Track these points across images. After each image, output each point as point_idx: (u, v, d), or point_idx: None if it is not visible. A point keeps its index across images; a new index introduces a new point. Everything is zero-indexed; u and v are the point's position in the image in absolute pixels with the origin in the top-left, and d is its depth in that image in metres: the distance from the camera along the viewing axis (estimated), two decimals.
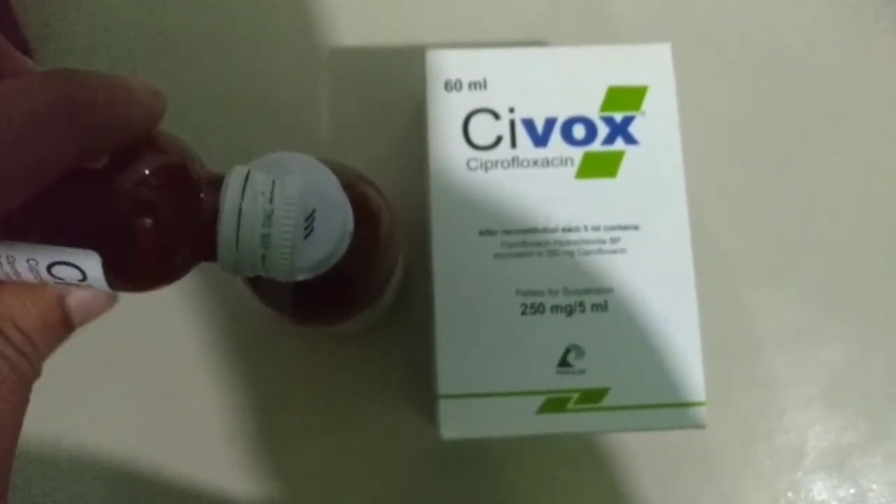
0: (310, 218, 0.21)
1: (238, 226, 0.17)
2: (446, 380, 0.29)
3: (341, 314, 0.28)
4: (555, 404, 0.29)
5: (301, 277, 0.22)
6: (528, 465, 0.37)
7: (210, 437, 0.36)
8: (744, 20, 0.41)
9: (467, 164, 0.30)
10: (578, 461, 0.37)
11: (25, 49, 0.35)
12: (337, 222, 0.21)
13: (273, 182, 0.18)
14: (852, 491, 0.37)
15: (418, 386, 0.36)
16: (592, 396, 0.29)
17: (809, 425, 0.38)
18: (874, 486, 0.37)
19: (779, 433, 0.37)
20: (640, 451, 0.37)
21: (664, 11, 0.40)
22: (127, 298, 0.20)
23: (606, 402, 0.29)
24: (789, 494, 0.37)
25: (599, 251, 0.30)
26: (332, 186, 0.22)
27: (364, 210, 0.25)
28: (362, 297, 0.28)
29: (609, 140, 0.31)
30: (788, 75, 0.40)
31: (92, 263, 0.17)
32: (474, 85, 0.31)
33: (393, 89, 0.38)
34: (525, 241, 0.30)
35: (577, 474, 0.37)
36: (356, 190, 0.26)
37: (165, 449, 0.36)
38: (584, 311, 0.30)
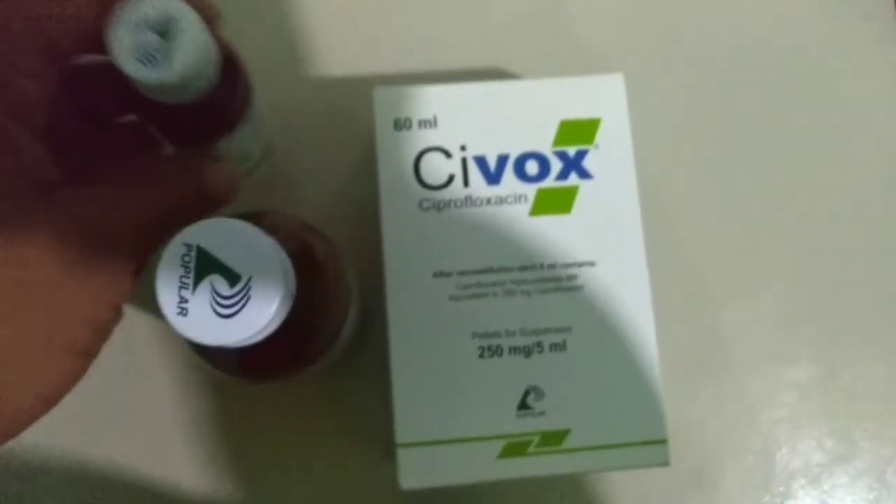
0: (245, 287, 0.20)
1: None
2: (404, 428, 0.28)
3: (294, 371, 0.27)
4: (516, 448, 0.28)
5: (245, 342, 0.21)
6: (492, 495, 0.36)
7: (173, 468, 0.35)
8: (697, 44, 0.40)
9: (419, 204, 0.30)
10: (544, 491, 0.36)
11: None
12: (276, 289, 0.21)
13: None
14: None
15: (381, 427, 0.36)
16: (553, 439, 0.29)
17: (777, 447, 0.37)
18: None
19: (746, 455, 0.37)
20: (605, 483, 0.36)
21: (625, 37, 0.40)
22: None
23: (567, 443, 0.29)
24: None
25: (556, 289, 0.29)
26: (269, 254, 0.21)
27: (308, 263, 0.24)
28: (313, 351, 0.27)
29: (562, 175, 0.30)
30: (746, 98, 0.40)
31: None
32: (424, 123, 0.30)
33: (341, 125, 0.37)
34: (480, 281, 0.29)
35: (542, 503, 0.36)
36: (298, 241, 0.25)
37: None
38: (542, 351, 0.29)
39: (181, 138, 0.28)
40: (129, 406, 0.36)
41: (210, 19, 0.24)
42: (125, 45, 0.22)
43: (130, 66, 0.22)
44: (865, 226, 0.39)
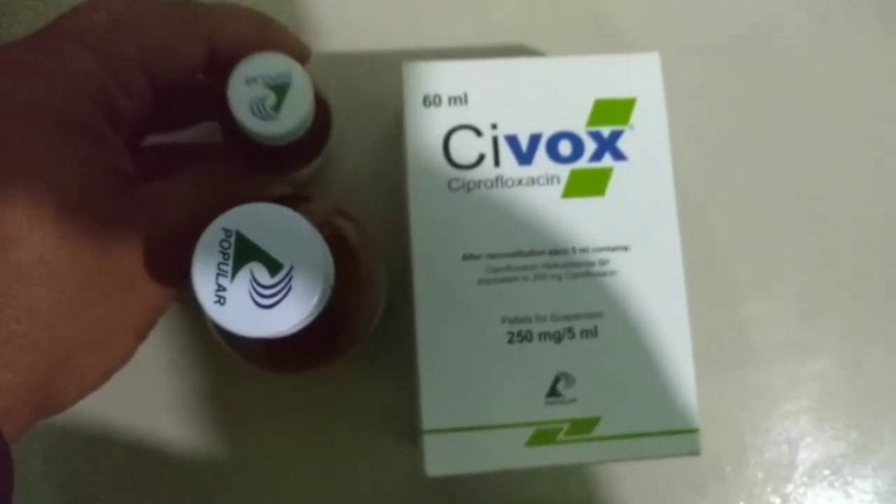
0: (287, 277, 0.19)
1: None
2: (431, 414, 0.28)
3: (323, 362, 0.26)
4: (545, 436, 0.28)
5: (281, 334, 0.20)
6: (513, 487, 0.36)
7: (184, 459, 0.35)
8: (735, 25, 0.39)
9: (448, 184, 0.29)
10: (566, 481, 0.36)
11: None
12: (318, 280, 0.20)
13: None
14: (844, 503, 0.36)
15: (406, 415, 0.35)
16: (583, 426, 0.28)
17: (800, 437, 0.37)
18: (866, 497, 0.37)
19: (769, 446, 0.37)
20: (629, 470, 0.36)
21: (653, 19, 0.39)
22: None
23: (598, 431, 0.28)
24: None
25: (588, 274, 0.29)
26: (311, 243, 0.20)
27: (342, 250, 0.23)
28: (344, 342, 0.26)
29: (597, 156, 0.29)
30: (781, 84, 0.39)
31: None
32: (454, 100, 0.29)
33: (369, 101, 0.36)
34: (510, 265, 0.28)
35: (565, 495, 0.36)
36: (332, 228, 0.24)
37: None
38: (573, 337, 0.28)
39: (267, 170, 0.30)
40: (140, 404, 0.35)
41: (301, 58, 0.27)
42: (242, 99, 0.25)
43: (246, 119, 0.25)
44: (891, 220, 0.39)
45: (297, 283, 0.19)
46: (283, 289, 0.19)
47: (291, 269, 0.19)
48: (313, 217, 0.21)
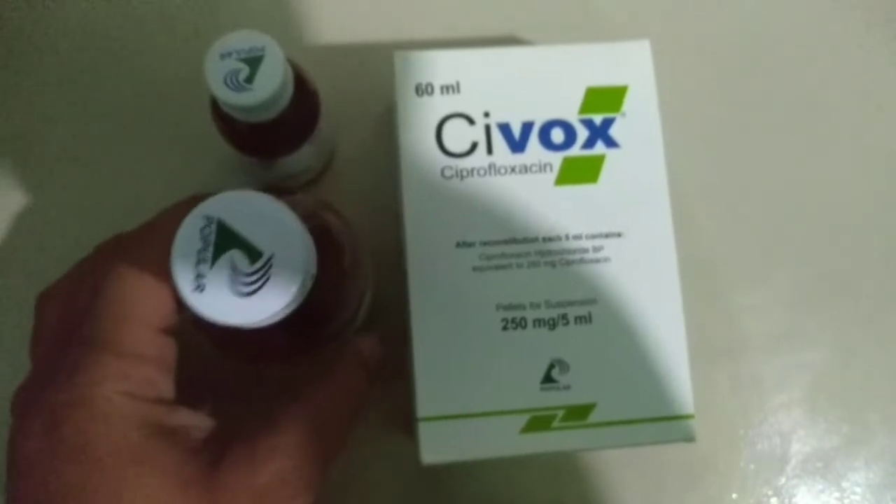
0: (266, 265, 0.19)
1: None
2: (426, 401, 0.27)
3: (305, 354, 0.26)
4: (539, 423, 0.28)
5: (261, 324, 0.20)
6: (507, 477, 0.35)
7: None
8: (726, 13, 0.40)
9: (442, 172, 0.29)
10: (559, 471, 0.36)
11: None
12: (298, 269, 0.19)
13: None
14: (836, 495, 0.36)
15: (400, 405, 0.35)
16: (578, 413, 0.28)
17: (792, 430, 0.37)
18: (858, 489, 0.37)
19: (761, 438, 0.37)
20: (622, 461, 0.36)
21: (645, 6, 0.39)
22: None
23: (593, 418, 0.28)
24: (773, 500, 0.36)
25: (582, 261, 0.29)
26: (292, 231, 0.20)
27: (326, 243, 0.23)
28: (324, 336, 0.26)
29: (589, 144, 0.29)
30: (773, 73, 0.39)
31: None
32: (446, 88, 0.29)
33: (361, 91, 0.36)
34: (504, 252, 0.28)
35: (557, 484, 0.35)
36: (317, 221, 0.24)
37: None
38: (567, 324, 0.28)
39: (251, 151, 0.30)
40: None
41: None
42: (217, 73, 0.26)
43: (220, 91, 0.26)
44: (883, 210, 0.39)
45: (277, 272, 0.19)
46: (262, 277, 0.19)
47: (272, 257, 0.19)
48: (297, 208, 0.21)
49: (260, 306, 0.19)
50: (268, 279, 0.19)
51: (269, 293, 0.19)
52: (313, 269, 0.20)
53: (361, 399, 0.28)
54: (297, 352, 0.26)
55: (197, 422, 0.24)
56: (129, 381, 0.23)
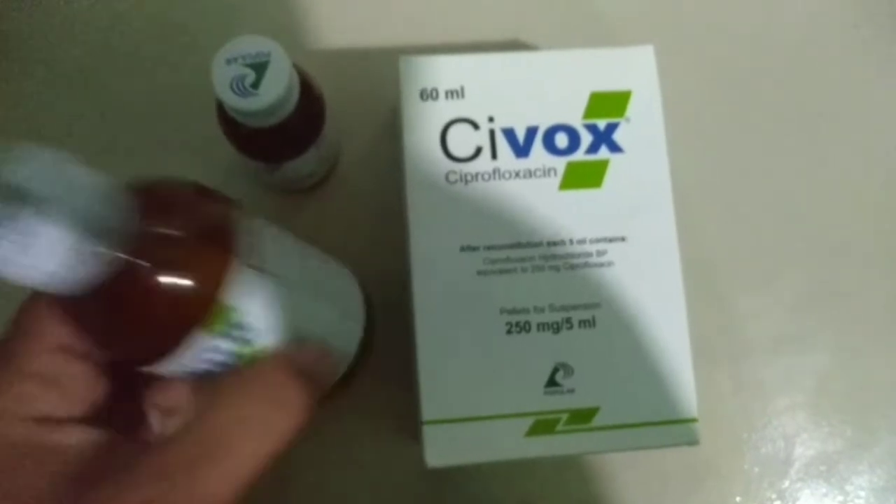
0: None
1: None
2: (430, 405, 0.28)
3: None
4: (544, 426, 0.28)
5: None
6: (511, 481, 0.35)
7: None
8: (730, 19, 0.40)
9: (446, 176, 0.29)
10: (563, 473, 0.36)
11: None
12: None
13: None
14: (840, 498, 0.36)
15: (407, 409, 0.35)
16: (582, 416, 0.28)
17: (796, 433, 0.37)
18: (861, 493, 0.37)
19: (765, 442, 0.37)
20: (626, 463, 0.36)
21: (648, 12, 0.39)
22: None
23: (597, 421, 0.28)
24: (777, 503, 0.36)
25: (586, 265, 0.29)
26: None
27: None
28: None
29: (593, 149, 0.29)
30: (776, 78, 0.39)
31: None
32: (451, 93, 0.30)
33: (366, 96, 0.36)
34: (509, 256, 0.29)
35: (561, 486, 0.36)
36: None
37: None
38: (571, 327, 0.28)
39: (257, 155, 0.31)
40: None
41: None
42: (223, 78, 0.27)
43: (227, 96, 0.27)
44: (886, 213, 0.39)
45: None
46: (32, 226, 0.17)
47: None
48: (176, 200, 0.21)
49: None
50: (40, 229, 0.18)
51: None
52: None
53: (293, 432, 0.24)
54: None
55: (86, 440, 0.22)
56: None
